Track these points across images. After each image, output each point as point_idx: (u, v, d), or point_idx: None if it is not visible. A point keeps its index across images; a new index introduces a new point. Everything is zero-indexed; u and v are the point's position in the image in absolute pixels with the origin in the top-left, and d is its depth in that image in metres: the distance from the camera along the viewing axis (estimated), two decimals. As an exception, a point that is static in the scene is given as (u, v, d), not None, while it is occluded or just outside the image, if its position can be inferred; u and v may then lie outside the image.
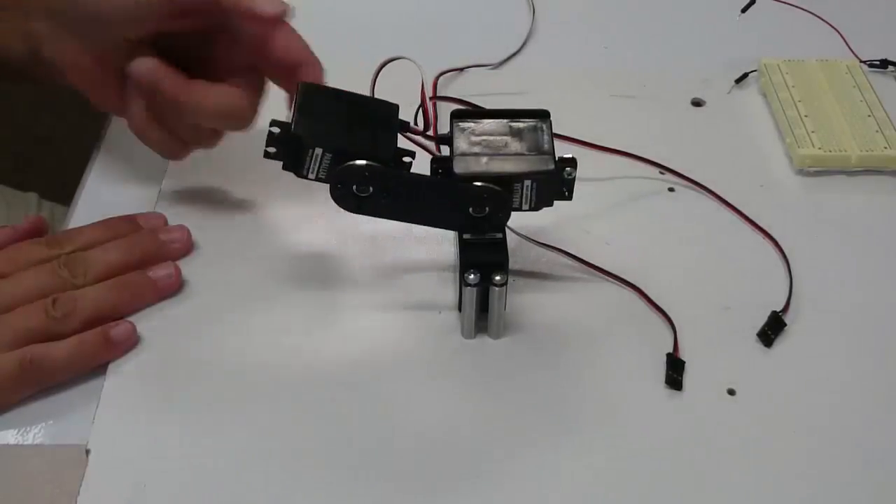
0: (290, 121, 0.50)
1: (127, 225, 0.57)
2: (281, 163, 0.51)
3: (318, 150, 0.50)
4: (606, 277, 0.56)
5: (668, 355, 0.52)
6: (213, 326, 0.54)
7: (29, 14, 0.55)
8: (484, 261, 0.51)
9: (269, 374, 0.52)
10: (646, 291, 0.55)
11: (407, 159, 0.52)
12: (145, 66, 0.54)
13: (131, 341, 0.52)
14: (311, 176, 0.50)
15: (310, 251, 0.58)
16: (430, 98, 0.65)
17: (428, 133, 0.53)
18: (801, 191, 0.63)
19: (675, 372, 0.52)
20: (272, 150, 0.50)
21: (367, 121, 0.51)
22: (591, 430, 0.50)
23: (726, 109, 0.69)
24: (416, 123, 0.53)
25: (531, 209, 0.52)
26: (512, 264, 0.52)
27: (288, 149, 0.50)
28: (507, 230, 0.53)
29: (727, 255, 0.59)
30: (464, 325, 0.54)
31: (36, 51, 0.56)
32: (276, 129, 0.50)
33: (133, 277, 0.54)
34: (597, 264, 0.57)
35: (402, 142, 0.52)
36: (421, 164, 0.52)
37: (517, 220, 0.52)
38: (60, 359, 0.50)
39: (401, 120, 0.52)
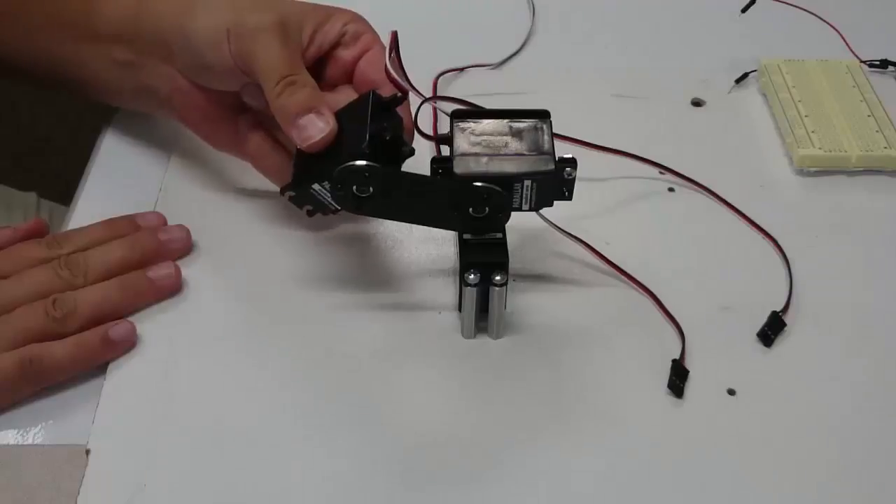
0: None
1: (127, 225, 0.57)
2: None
3: (316, 186, 0.51)
4: (614, 276, 0.56)
5: (674, 361, 0.52)
6: (213, 326, 0.54)
7: (143, 55, 0.57)
8: (484, 261, 0.51)
9: (269, 374, 0.52)
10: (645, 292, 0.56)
11: (406, 149, 0.52)
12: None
13: (131, 341, 0.52)
14: (337, 206, 0.51)
15: (310, 251, 0.58)
16: (431, 98, 0.65)
17: (398, 96, 0.52)
18: (801, 191, 0.63)
19: (678, 379, 0.51)
20: (310, 208, 0.53)
21: (347, 125, 0.51)
22: (590, 430, 0.50)
23: (726, 109, 0.69)
24: (416, 121, 0.53)
25: (531, 209, 0.52)
26: (512, 264, 0.52)
27: (306, 200, 0.52)
28: (538, 216, 0.53)
29: (727, 255, 0.59)
30: (464, 325, 0.54)
31: (143, 87, 0.58)
32: (291, 193, 0.52)
33: (133, 277, 0.54)
34: (599, 265, 0.57)
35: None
36: (421, 164, 0.52)
37: (521, 219, 0.52)
38: (60, 358, 0.50)
39: (375, 101, 0.52)
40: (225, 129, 0.58)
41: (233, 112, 0.58)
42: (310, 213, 0.53)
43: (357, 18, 0.57)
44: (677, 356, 0.52)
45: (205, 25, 0.54)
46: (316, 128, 0.51)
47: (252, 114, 0.57)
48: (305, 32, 0.55)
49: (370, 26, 0.57)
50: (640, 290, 0.56)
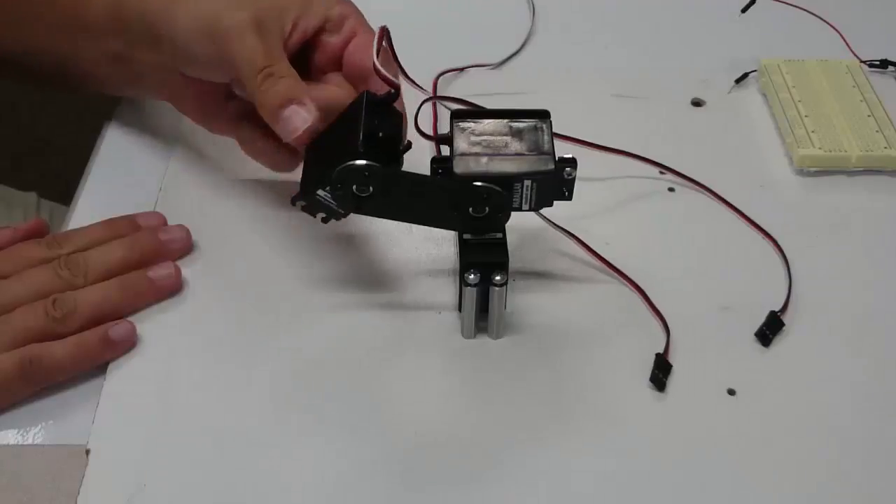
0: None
1: (127, 225, 0.57)
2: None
3: (321, 192, 0.50)
4: (614, 276, 0.56)
5: (658, 355, 0.52)
6: (213, 326, 0.54)
7: (133, 46, 0.57)
8: (484, 261, 0.51)
9: (269, 374, 0.52)
10: (645, 291, 0.55)
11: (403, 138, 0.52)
12: None
13: (131, 341, 0.52)
14: (343, 210, 0.51)
15: (310, 251, 0.58)
16: (431, 98, 0.65)
17: (391, 93, 0.52)
18: (801, 191, 0.63)
19: (660, 372, 0.51)
20: (324, 216, 0.52)
21: (340, 129, 0.51)
22: (590, 430, 0.50)
23: (726, 109, 0.69)
24: (416, 121, 0.53)
25: (531, 209, 0.52)
26: (512, 264, 0.52)
27: (318, 208, 0.51)
28: (537, 215, 0.53)
29: (727, 255, 0.59)
30: (464, 325, 0.54)
31: (135, 77, 0.59)
32: (301, 203, 0.51)
33: (133, 277, 0.54)
34: (601, 264, 0.57)
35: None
36: (421, 164, 0.52)
37: (521, 218, 0.52)
38: (60, 358, 0.50)
39: (369, 100, 0.51)
40: (219, 114, 0.58)
41: (226, 98, 0.58)
42: (324, 221, 0.53)
43: (341, 1, 0.56)
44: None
45: (186, 17, 0.54)
46: (300, 118, 0.50)
47: (244, 100, 0.57)
48: (288, 20, 0.55)
49: (355, 8, 0.57)
50: (630, 287, 0.56)
